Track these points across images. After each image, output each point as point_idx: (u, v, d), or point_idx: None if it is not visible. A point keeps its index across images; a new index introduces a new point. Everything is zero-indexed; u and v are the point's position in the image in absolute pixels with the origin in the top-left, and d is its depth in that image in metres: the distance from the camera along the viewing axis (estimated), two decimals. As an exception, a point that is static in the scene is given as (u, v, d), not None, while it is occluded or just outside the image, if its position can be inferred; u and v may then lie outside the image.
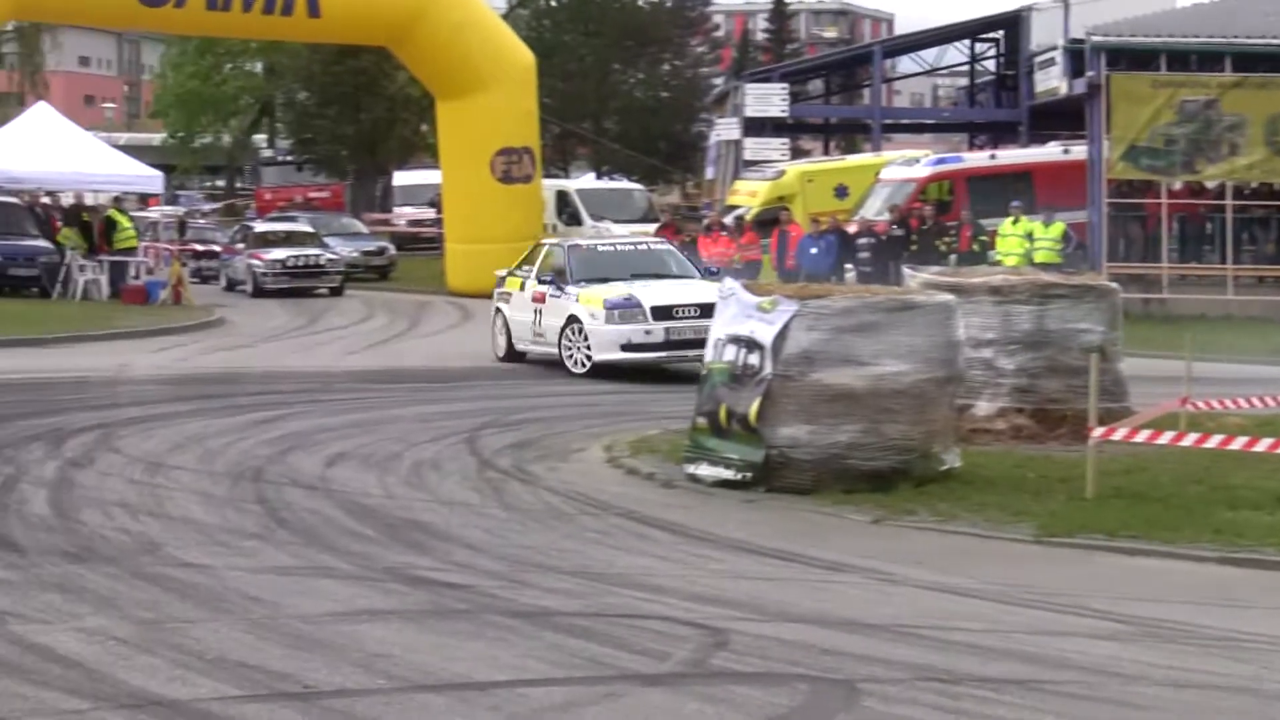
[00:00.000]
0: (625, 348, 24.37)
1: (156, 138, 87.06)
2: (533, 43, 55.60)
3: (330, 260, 42.56)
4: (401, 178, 68.25)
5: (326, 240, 44.89)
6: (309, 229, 45.52)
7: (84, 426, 17.70)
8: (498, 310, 27.18)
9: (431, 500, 14.06)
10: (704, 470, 14.91)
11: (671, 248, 28.19)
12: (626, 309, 24.40)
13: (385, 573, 11.11)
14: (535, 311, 25.71)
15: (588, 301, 24.67)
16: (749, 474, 14.55)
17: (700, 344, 23.85)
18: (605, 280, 25.14)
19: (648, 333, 24.34)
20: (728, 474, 14.70)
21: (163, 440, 16.95)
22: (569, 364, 24.75)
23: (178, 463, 15.59)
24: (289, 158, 79.46)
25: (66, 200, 42.80)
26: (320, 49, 67.81)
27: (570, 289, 25.07)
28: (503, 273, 27.77)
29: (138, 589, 10.45)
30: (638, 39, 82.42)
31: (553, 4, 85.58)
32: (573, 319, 24.79)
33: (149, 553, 11.56)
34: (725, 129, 55.20)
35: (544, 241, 28.83)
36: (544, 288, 25.53)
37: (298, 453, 16.37)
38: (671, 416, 18.13)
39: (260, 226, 46.68)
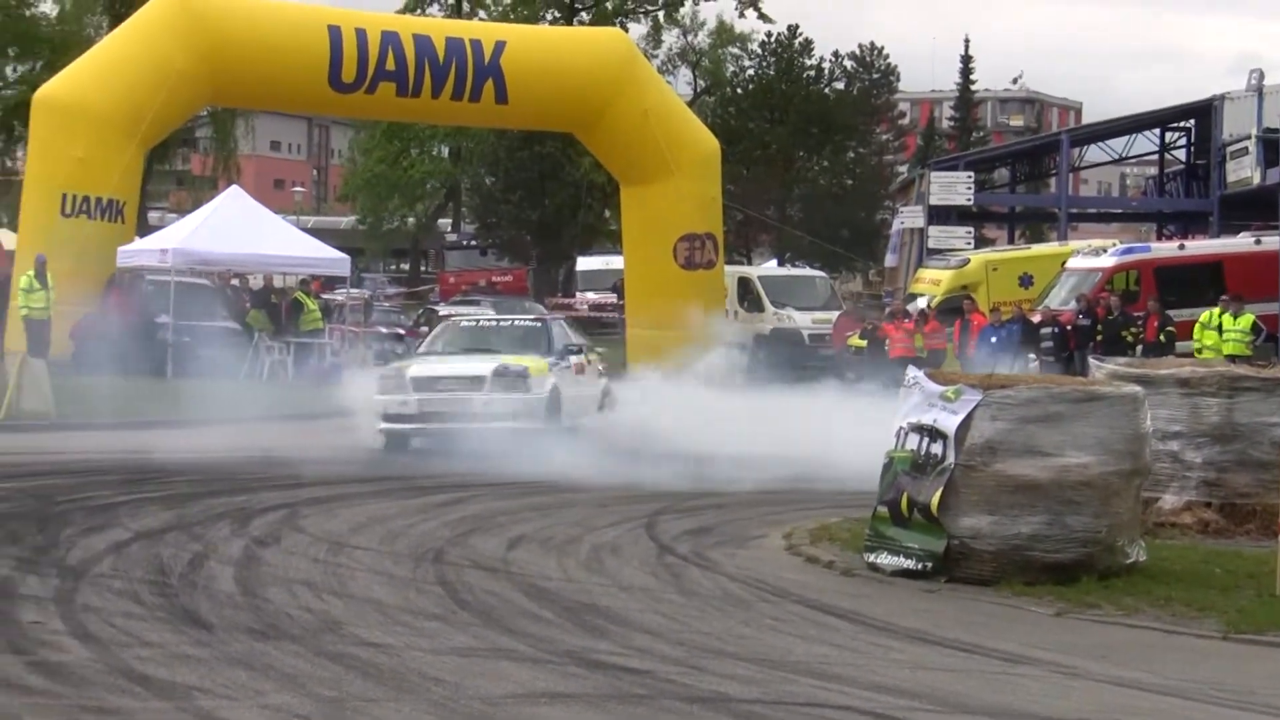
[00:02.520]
0: (386, 418, 24.77)
1: (344, 221, 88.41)
2: (718, 130, 56.00)
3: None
4: (584, 263, 68.82)
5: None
6: (491, 312, 45.94)
7: (270, 505, 17.92)
8: None
9: (610, 585, 14.07)
10: (884, 559, 14.81)
11: (549, 324, 28.59)
12: (392, 379, 25.07)
13: (565, 656, 11.13)
14: None
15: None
16: (929, 564, 14.44)
17: (460, 417, 24.45)
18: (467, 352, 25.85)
19: (403, 403, 24.72)
20: (908, 563, 14.59)
21: (346, 520, 17.12)
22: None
23: (360, 543, 15.74)
24: (473, 242, 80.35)
25: (256, 282, 43.56)
26: (506, 134, 68.71)
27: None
28: None
29: (321, 667, 10.55)
30: (823, 126, 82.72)
31: (738, 91, 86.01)
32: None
33: (332, 631, 11.67)
34: (909, 216, 55.20)
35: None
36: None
37: (478, 535, 16.47)
38: (852, 505, 18.02)
39: (443, 310, 47.19)
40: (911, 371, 15.55)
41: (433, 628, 11.96)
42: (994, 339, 35.03)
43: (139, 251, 38.41)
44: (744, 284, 49.15)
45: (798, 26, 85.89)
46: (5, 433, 25.43)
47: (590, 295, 64.09)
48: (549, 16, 78.65)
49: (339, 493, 19.39)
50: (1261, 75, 45.76)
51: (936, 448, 14.46)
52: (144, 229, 48.33)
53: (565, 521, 17.58)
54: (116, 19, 57.75)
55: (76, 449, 23.27)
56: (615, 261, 55.88)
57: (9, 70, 73.46)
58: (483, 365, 25.36)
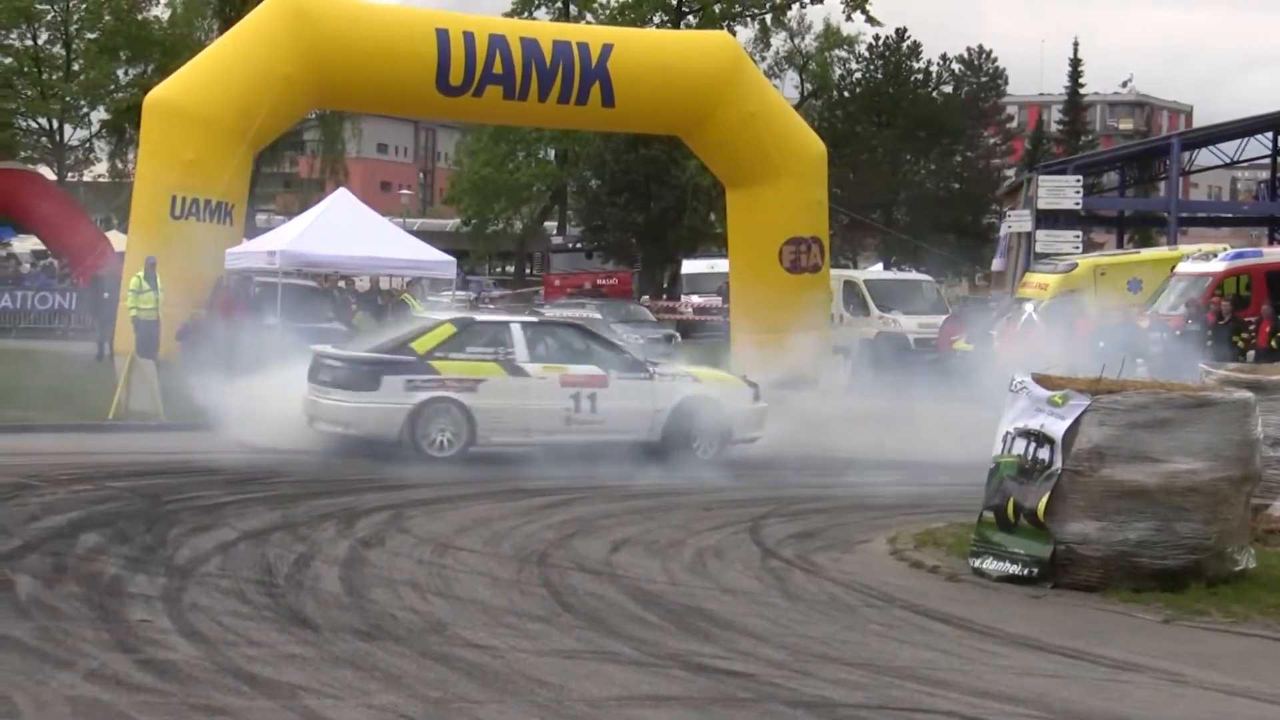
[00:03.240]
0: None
1: (449, 223, 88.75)
2: (824, 133, 55.87)
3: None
4: (689, 265, 68.74)
5: (613, 327, 45.28)
6: (596, 315, 45.99)
7: (374, 507, 18.00)
8: (439, 400, 23.22)
9: (714, 588, 14.06)
10: (990, 565, 14.73)
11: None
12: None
13: (669, 659, 11.13)
14: (576, 397, 23.69)
15: (724, 381, 25.16)
16: (1035, 569, 14.35)
17: None
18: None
19: None
20: (1014, 569, 14.51)
21: (450, 522, 17.18)
22: (697, 450, 23.90)
23: (465, 544, 15.78)
24: (578, 244, 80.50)
25: (362, 284, 43.78)
26: (612, 137, 68.85)
27: (674, 369, 25.09)
28: (357, 362, 23.94)
29: (426, 668, 10.59)
30: (930, 130, 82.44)
31: (845, 95, 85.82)
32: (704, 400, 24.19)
33: (437, 632, 11.72)
34: (1017, 220, 54.90)
35: (473, 318, 26.02)
36: (592, 369, 23.94)
37: (581, 537, 16.48)
38: (957, 509, 17.92)
39: (549, 312, 47.25)
40: (1019, 376, 15.45)
41: (537, 630, 11.98)
42: (1100, 344, 34.78)
43: (246, 253, 38.61)
44: (850, 287, 48.99)
45: (905, 29, 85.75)
46: (114, 433, 25.68)
47: (695, 298, 64.03)
48: (656, 20, 78.78)
49: (443, 494, 19.45)
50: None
51: (1043, 453, 14.37)
52: (251, 231, 48.64)
53: (668, 525, 17.57)
54: (226, 23, 58.33)
55: (184, 449, 23.45)
56: (720, 264, 55.83)
57: (121, 73, 74.44)
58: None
